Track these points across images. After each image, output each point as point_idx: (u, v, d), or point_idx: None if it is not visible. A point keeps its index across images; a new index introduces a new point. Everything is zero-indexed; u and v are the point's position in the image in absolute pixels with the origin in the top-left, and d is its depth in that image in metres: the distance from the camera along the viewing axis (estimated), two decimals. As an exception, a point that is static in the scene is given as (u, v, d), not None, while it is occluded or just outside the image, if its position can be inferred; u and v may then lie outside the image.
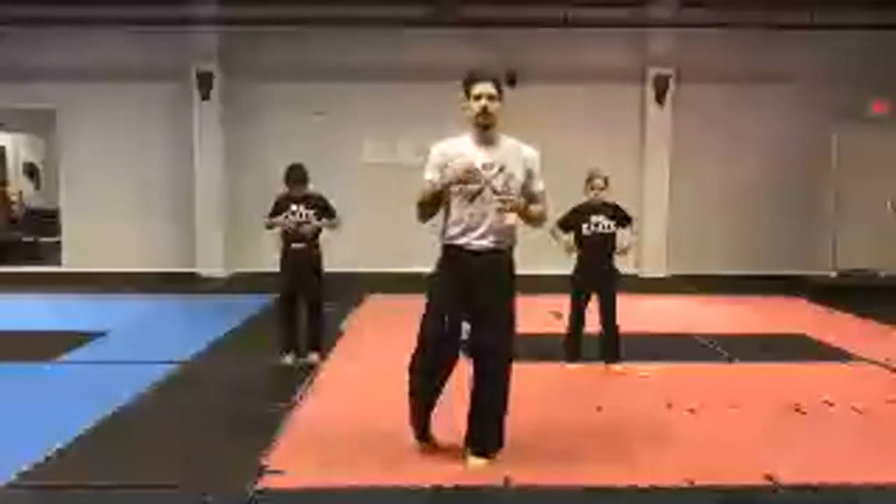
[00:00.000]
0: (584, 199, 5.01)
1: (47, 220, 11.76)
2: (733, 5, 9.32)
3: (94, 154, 9.91)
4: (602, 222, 4.93)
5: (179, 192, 9.80)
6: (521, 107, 9.32)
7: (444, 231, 3.40)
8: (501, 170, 3.28)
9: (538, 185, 3.41)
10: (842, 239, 10.13)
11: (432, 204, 3.34)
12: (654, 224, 9.82)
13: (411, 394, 3.45)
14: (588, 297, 5.04)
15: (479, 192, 3.26)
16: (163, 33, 9.50)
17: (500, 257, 3.34)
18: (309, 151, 8.19)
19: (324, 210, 5.14)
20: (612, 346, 5.02)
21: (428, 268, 3.48)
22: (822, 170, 10.08)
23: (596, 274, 4.98)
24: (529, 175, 3.37)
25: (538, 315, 6.50)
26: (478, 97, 3.26)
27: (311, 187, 5.18)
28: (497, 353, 3.34)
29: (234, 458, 3.40)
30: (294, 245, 5.11)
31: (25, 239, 12.01)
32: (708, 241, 9.89)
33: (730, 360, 5.43)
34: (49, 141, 12.77)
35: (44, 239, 11.52)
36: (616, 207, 5.01)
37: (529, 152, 3.39)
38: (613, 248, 5.00)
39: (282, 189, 5.14)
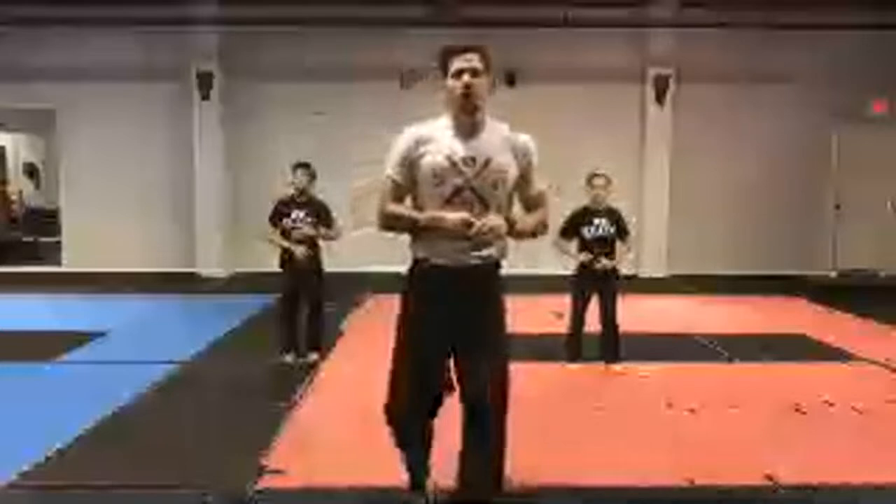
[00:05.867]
0: (585, 200, 5.01)
1: (47, 220, 11.77)
2: (733, 5, 9.31)
3: (94, 154, 9.90)
4: (604, 225, 4.94)
5: (179, 192, 9.79)
6: (520, 107, 9.33)
7: (414, 241, 2.63)
8: (487, 164, 2.51)
9: (536, 187, 2.64)
10: (842, 239, 10.13)
11: (406, 228, 2.61)
12: (654, 224, 9.81)
13: (398, 445, 2.87)
14: (589, 298, 5.03)
15: (458, 191, 2.50)
16: (163, 33, 9.50)
17: (487, 273, 2.60)
18: (309, 151, 8.15)
19: (323, 218, 5.13)
20: (612, 346, 5.02)
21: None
22: (822, 170, 10.08)
23: (597, 274, 4.97)
24: (526, 171, 2.59)
25: (538, 315, 6.50)
26: (459, 73, 2.49)
27: (315, 187, 5.17)
28: (496, 392, 2.64)
29: (234, 458, 3.41)
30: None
31: (25, 239, 12.04)
32: (708, 241, 9.89)
33: (730, 360, 5.43)
34: (49, 141, 12.78)
35: (44, 239, 11.53)
36: (619, 217, 5.01)
37: (524, 141, 2.60)
38: (614, 249, 5.00)
39: (281, 189, 5.14)
